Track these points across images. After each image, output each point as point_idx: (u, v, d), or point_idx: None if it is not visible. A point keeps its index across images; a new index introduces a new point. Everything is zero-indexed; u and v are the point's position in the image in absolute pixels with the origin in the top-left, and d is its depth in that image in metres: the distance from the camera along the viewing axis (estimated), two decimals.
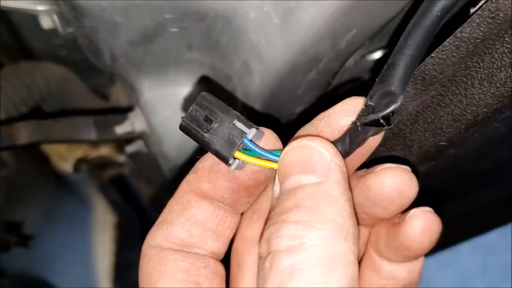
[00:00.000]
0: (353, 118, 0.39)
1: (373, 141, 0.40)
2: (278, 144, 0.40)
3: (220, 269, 0.44)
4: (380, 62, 0.55)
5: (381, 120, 0.36)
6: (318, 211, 0.35)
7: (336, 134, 0.39)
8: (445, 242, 0.81)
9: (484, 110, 0.38)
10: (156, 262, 0.42)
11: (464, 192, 0.61)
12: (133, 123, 0.66)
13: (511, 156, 0.53)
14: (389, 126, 0.37)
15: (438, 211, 0.46)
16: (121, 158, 0.98)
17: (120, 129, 0.66)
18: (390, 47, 0.54)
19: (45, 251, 1.04)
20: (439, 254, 0.79)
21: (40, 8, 0.55)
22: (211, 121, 0.38)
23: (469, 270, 1.47)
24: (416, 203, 0.43)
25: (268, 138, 0.40)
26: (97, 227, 1.12)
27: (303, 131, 0.41)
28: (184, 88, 0.60)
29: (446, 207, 0.63)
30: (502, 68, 0.36)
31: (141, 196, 1.06)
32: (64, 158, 0.94)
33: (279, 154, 0.38)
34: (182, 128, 0.39)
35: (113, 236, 1.12)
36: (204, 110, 0.39)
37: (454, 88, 0.39)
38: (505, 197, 0.67)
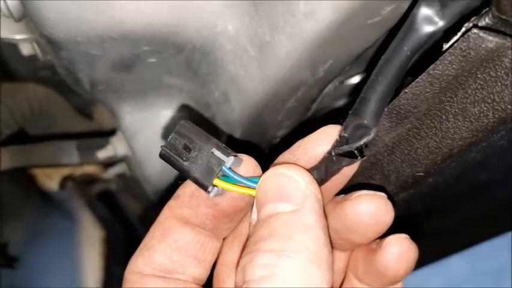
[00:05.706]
0: (329, 146, 0.39)
1: (349, 170, 0.41)
2: (258, 170, 0.41)
3: None
4: (356, 89, 0.56)
5: (355, 152, 0.37)
6: (291, 240, 0.35)
7: (313, 161, 0.40)
8: (432, 257, 0.82)
9: (459, 143, 0.39)
10: None
11: (445, 213, 0.61)
12: (115, 148, 0.66)
13: (490, 178, 0.53)
14: (363, 158, 0.38)
15: (419, 231, 0.46)
16: (107, 175, 0.97)
17: (102, 154, 0.66)
18: (368, 72, 0.54)
19: (33, 270, 1.03)
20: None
21: (19, 37, 0.55)
22: (190, 149, 0.39)
23: (458, 276, 1.48)
24: (397, 227, 0.44)
25: (248, 165, 0.40)
26: (85, 242, 1.12)
27: (281, 158, 0.42)
28: (164, 111, 0.60)
29: (428, 225, 0.63)
30: (476, 104, 0.36)
31: (128, 211, 1.06)
32: (50, 177, 0.94)
33: (257, 181, 0.39)
34: (162, 156, 0.40)
35: (101, 251, 1.11)
36: (183, 138, 0.39)
37: (429, 122, 0.39)
38: (489, 212, 0.67)
